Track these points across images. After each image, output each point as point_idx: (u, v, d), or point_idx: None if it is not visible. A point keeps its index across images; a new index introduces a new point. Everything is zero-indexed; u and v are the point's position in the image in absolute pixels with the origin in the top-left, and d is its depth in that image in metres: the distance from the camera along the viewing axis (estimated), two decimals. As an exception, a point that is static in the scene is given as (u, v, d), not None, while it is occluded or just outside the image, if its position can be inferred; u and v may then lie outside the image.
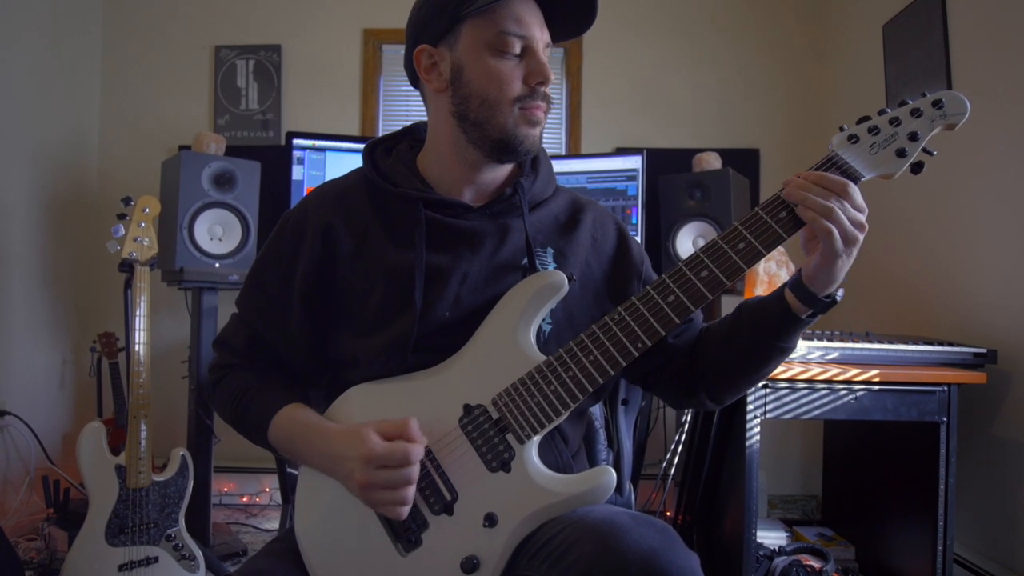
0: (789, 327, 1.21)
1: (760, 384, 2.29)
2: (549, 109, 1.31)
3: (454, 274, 1.28)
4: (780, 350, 1.24)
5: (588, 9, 1.30)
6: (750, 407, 2.30)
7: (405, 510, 1.12)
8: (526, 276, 1.29)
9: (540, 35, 1.27)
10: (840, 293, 1.18)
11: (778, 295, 1.22)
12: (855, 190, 1.10)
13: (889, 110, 1.14)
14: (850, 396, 2.28)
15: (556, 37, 1.32)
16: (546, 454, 1.21)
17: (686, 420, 2.92)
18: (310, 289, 1.33)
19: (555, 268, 1.32)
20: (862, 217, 1.10)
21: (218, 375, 1.39)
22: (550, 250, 1.35)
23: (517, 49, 1.24)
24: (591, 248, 1.40)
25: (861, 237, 1.10)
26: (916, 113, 1.12)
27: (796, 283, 1.18)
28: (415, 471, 1.12)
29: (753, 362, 1.28)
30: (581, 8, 1.30)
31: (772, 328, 1.22)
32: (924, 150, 1.12)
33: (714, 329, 1.35)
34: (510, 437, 1.16)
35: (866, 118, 1.15)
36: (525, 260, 1.32)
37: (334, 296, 1.33)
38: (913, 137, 1.11)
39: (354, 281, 1.31)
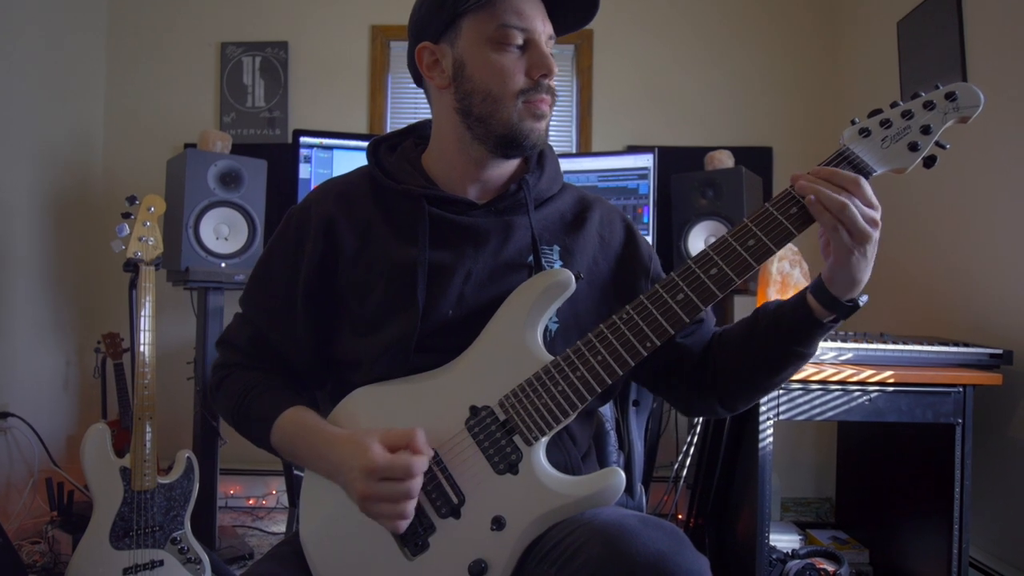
0: (810, 331, 1.18)
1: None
2: (554, 102, 1.29)
3: (458, 271, 1.26)
4: (799, 355, 1.21)
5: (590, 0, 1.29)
6: (763, 408, 2.29)
7: (404, 524, 1.10)
8: (532, 274, 1.27)
9: (542, 27, 1.25)
10: (864, 298, 1.15)
11: (799, 298, 1.19)
12: (866, 186, 1.07)
13: (902, 103, 1.12)
14: (864, 397, 2.27)
15: (559, 30, 1.30)
16: (554, 455, 1.19)
17: (698, 422, 2.94)
18: (313, 286, 1.31)
19: (561, 266, 1.31)
20: (875, 214, 1.07)
21: (221, 374, 1.37)
22: (556, 248, 1.33)
23: (519, 42, 1.23)
24: (599, 246, 1.38)
25: (875, 234, 1.07)
26: (929, 106, 1.10)
27: (818, 286, 1.15)
28: (416, 485, 1.09)
29: (770, 367, 1.25)
30: None
31: (792, 332, 1.19)
32: (937, 144, 1.10)
33: (730, 333, 1.33)
34: (517, 439, 1.14)
35: (878, 111, 1.13)
36: (531, 258, 1.30)
37: (336, 293, 1.31)
38: (926, 130, 1.09)
39: (356, 278, 1.29)
